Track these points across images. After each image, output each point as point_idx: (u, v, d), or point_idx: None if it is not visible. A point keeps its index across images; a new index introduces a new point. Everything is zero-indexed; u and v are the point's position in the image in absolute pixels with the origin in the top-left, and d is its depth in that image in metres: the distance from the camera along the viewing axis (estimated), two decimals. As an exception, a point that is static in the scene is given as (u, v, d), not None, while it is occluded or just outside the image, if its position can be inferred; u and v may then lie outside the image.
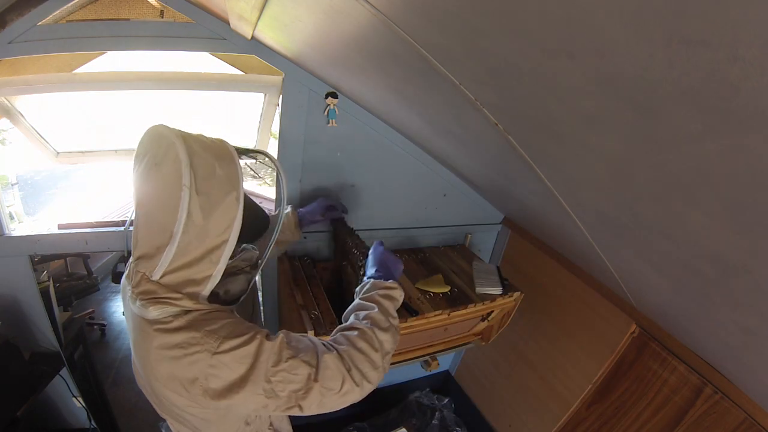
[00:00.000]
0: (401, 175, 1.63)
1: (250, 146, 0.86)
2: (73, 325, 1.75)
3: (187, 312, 0.71)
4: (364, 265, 1.10)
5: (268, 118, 1.53)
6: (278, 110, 1.43)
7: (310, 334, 1.16)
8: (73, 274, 2.99)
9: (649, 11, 0.28)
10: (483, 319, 1.61)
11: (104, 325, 2.86)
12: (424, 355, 1.59)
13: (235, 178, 0.71)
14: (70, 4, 1.02)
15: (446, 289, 1.44)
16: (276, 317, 1.76)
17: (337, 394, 0.76)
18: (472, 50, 0.54)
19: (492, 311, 1.53)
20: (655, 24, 0.29)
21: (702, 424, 1.16)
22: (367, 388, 0.80)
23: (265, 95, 1.44)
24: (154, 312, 0.70)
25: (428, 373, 1.80)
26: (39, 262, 2.30)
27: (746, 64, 0.27)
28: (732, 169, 0.41)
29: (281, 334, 0.76)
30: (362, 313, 0.89)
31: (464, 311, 1.38)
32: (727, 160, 0.40)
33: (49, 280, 1.49)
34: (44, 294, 1.42)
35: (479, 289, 1.46)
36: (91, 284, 2.91)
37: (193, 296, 0.72)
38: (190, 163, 0.66)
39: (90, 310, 2.92)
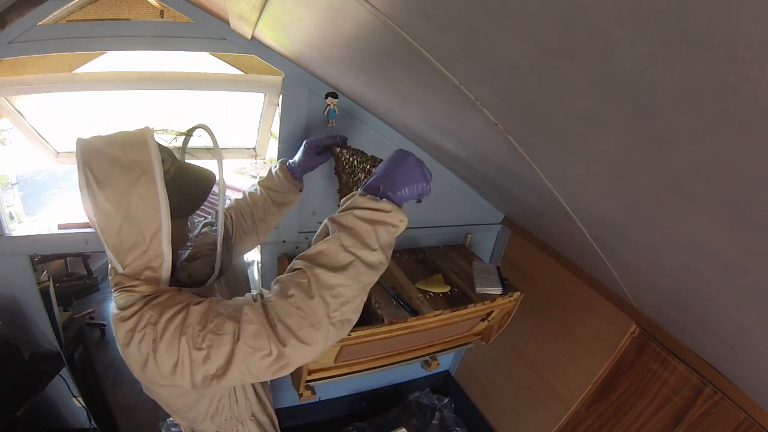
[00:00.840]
0: (401, 175, 1.62)
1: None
2: (73, 325, 1.75)
3: (145, 297, 0.72)
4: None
5: (268, 118, 1.53)
6: (278, 110, 1.42)
7: None
8: (73, 274, 2.99)
9: (649, 11, 0.28)
10: (483, 319, 1.60)
11: (104, 325, 2.86)
12: (424, 355, 1.59)
13: (144, 161, 0.70)
14: (70, 4, 1.02)
15: (446, 289, 1.44)
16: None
17: (267, 357, 0.65)
18: (472, 50, 0.54)
19: (492, 311, 1.52)
20: (655, 24, 0.29)
21: (702, 424, 1.16)
22: (302, 351, 0.65)
23: (265, 95, 1.44)
24: (120, 300, 0.72)
25: (428, 373, 1.81)
26: (39, 262, 2.30)
27: (746, 64, 0.27)
28: (732, 169, 0.41)
29: (209, 298, 0.73)
30: (313, 246, 0.70)
31: (464, 311, 1.38)
32: (727, 160, 0.40)
33: (49, 280, 1.49)
34: (44, 294, 1.42)
35: (479, 289, 1.46)
36: (91, 284, 2.91)
37: (152, 281, 0.74)
38: (84, 164, 0.67)
39: (90, 310, 2.92)
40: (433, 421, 2.18)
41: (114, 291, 0.75)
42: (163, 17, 1.17)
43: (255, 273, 2.36)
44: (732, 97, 0.31)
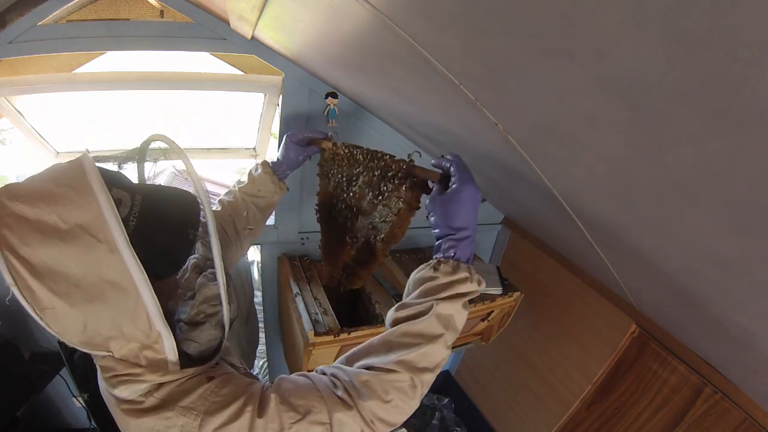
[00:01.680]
0: (401, 175, 1.62)
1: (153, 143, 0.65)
2: (73, 325, 1.75)
3: (160, 386, 0.57)
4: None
5: (268, 118, 1.53)
6: (278, 110, 1.42)
7: (310, 335, 1.15)
8: (73, 274, 2.99)
9: (649, 11, 0.28)
10: (483, 319, 1.60)
11: (104, 325, 2.86)
12: (424, 355, 1.58)
13: (90, 220, 0.48)
14: (70, 4, 1.02)
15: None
16: (276, 319, 1.76)
17: None
18: (472, 50, 0.54)
19: (492, 311, 1.52)
20: (655, 24, 0.29)
21: (702, 424, 1.16)
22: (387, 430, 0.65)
23: (265, 95, 1.44)
24: (123, 392, 0.57)
25: (428, 373, 1.80)
26: (39, 262, 2.30)
27: (746, 64, 0.27)
28: (732, 169, 0.41)
29: (272, 396, 0.58)
30: (414, 348, 0.63)
31: (464, 311, 1.38)
32: (727, 160, 0.40)
33: (49, 280, 1.49)
34: (44, 294, 1.42)
35: (479, 289, 1.46)
36: (91, 284, 2.91)
37: (158, 366, 0.57)
38: (2, 247, 0.46)
39: (90, 310, 2.92)
40: (433, 421, 2.18)
41: (107, 379, 0.57)
42: (163, 17, 1.17)
43: (255, 273, 2.36)
44: (732, 97, 0.31)
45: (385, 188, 0.83)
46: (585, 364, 1.54)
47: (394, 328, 0.66)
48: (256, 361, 2.23)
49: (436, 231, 0.69)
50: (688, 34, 0.28)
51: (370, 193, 0.86)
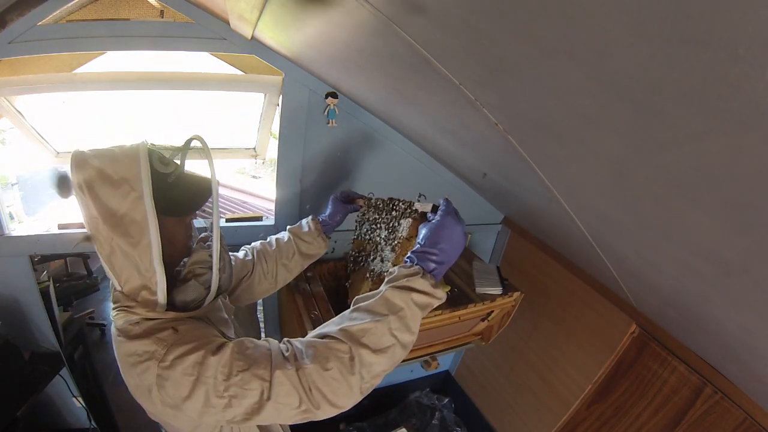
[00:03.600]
0: (401, 175, 1.62)
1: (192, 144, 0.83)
2: (73, 325, 1.75)
3: (147, 320, 0.71)
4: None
5: (268, 118, 1.53)
6: (278, 110, 1.42)
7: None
8: (73, 274, 2.99)
9: (649, 11, 0.28)
10: (483, 319, 1.60)
11: (104, 325, 2.86)
12: (424, 355, 1.59)
13: (133, 177, 0.69)
14: (70, 4, 1.02)
15: (446, 289, 1.44)
16: (276, 318, 1.76)
17: (295, 410, 0.69)
18: (472, 50, 0.54)
19: (492, 311, 1.52)
20: (655, 24, 0.29)
21: (702, 424, 1.16)
22: (331, 412, 0.71)
23: (265, 95, 1.44)
24: (119, 321, 0.72)
25: (428, 373, 1.81)
26: (39, 262, 2.30)
27: (746, 64, 0.27)
28: (732, 169, 0.41)
29: (231, 344, 0.70)
30: (358, 320, 0.72)
31: (464, 311, 1.38)
32: (727, 160, 0.40)
33: (49, 280, 1.49)
34: (44, 294, 1.42)
35: (479, 289, 1.46)
36: (91, 284, 2.91)
37: (149, 304, 0.72)
38: (77, 177, 0.68)
39: (90, 310, 2.92)
40: (433, 421, 2.18)
41: (113, 309, 0.74)
42: (163, 17, 1.17)
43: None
44: (732, 97, 0.31)
45: (397, 224, 1.04)
46: (585, 364, 1.54)
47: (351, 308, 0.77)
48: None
49: (415, 248, 0.80)
50: (688, 34, 0.28)
51: (386, 231, 1.08)
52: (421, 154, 1.61)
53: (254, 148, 1.68)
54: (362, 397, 0.72)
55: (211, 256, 0.79)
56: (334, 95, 1.34)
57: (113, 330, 0.74)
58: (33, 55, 1.06)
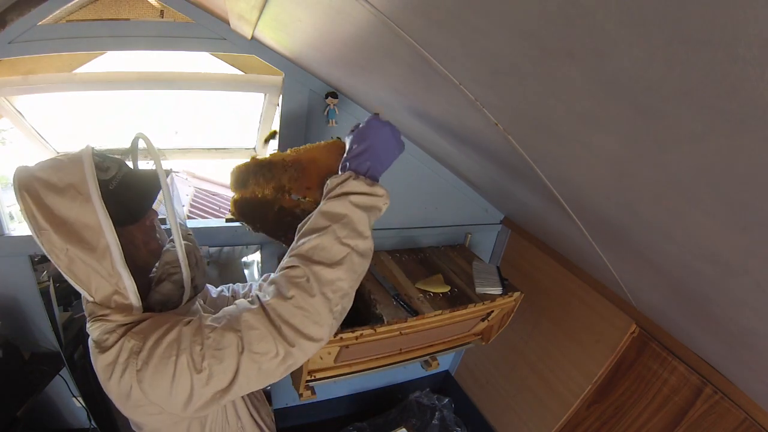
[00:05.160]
0: (401, 175, 1.62)
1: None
2: (73, 325, 1.75)
3: (123, 326, 0.68)
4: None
5: (268, 118, 1.53)
6: (278, 110, 1.42)
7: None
8: (73, 274, 2.98)
9: (649, 11, 0.28)
10: (483, 319, 1.60)
11: (104, 325, 2.86)
12: (424, 355, 1.59)
13: (78, 181, 0.66)
14: (70, 4, 1.02)
15: (446, 289, 1.44)
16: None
17: (274, 358, 0.66)
18: (472, 50, 0.54)
19: (492, 311, 1.52)
20: (655, 24, 0.29)
21: (702, 424, 1.16)
22: (309, 348, 0.67)
23: (265, 95, 1.44)
24: (95, 332, 0.69)
25: (428, 373, 1.80)
26: (39, 262, 2.30)
27: (746, 64, 0.27)
28: (732, 169, 0.41)
29: (203, 315, 0.70)
30: (306, 239, 0.69)
31: (464, 311, 1.38)
32: (727, 160, 0.40)
33: (49, 280, 1.49)
34: (44, 294, 1.42)
35: (479, 289, 1.46)
36: (91, 284, 2.91)
37: (124, 309, 0.69)
38: (20, 193, 0.65)
39: (90, 310, 2.92)
40: (433, 421, 2.18)
41: (88, 321, 0.70)
42: (163, 17, 1.17)
43: (255, 273, 2.36)
44: (732, 97, 0.31)
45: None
46: (585, 364, 1.54)
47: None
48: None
49: (344, 157, 0.77)
50: (688, 34, 0.28)
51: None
52: (421, 154, 1.61)
53: (254, 148, 1.68)
54: (336, 323, 0.69)
55: None
56: (334, 95, 1.34)
57: (90, 344, 0.71)
58: (33, 55, 1.06)
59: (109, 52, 1.31)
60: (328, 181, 0.74)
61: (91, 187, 0.67)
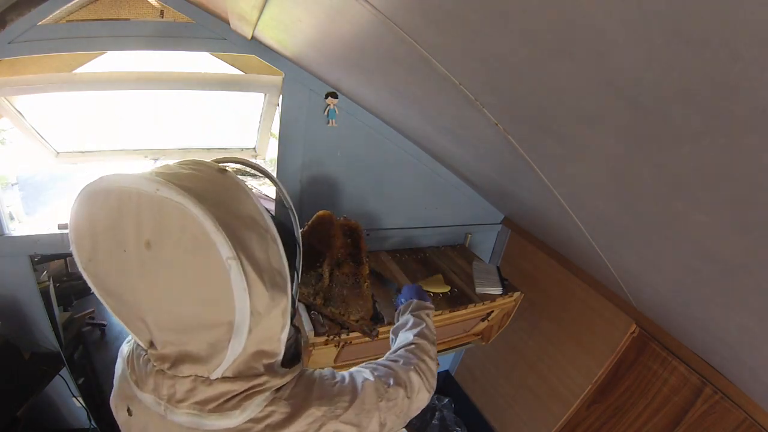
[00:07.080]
0: (401, 175, 1.63)
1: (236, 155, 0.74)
2: (73, 325, 1.75)
3: (277, 390, 0.55)
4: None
5: (268, 118, 1.53)
6: (278, 110, 1.42)
7: (310, 335, 1.16)
8: (73, 274, 2.98)
9: (649, 11, 0.28)
10: (483, 319, 1.60)
11: (104, 325, 2.86)
12: (424, 355, 1.59)
13: (258, 213, 0.51)
14: (70, 4, 1.02)
15: (446, 289, 1.44)
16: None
17: (422, 402, 0.80)
18: (472, 50, 0.54)
19: (492, 311, 1.52)
20: (655, 24, 0.29)
21: (702, 424, 1.16)
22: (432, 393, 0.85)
23: (265, 95, 1.44)
24: (241, 415, 0.52)
25: (428, 373, 1.80)
26: (39, 262, 2.30)
27: (746, 64, 0.27)
28: (732, 169, 0.41)
29: (367, 370, 0.71)
30: (416, 330, 0.95)
31: (464, 311, 1.38)
32: (727, 160, 0.40)
33: (49, 280, 1.49)
34: (44, 294, 1.42)
35: (479, 289, 1.46)
36: (91, 284, 2.91)
37: (273, 369, 0.55)
38: (216, 223, 0.44)
39: (90, 310, 2.91)
40: (433, 421, 2.18)
41: (211, 411, 0.51)
42: (163, 17, 1.17)
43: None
44: (732, 97, 0.31)
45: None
46: (585, 364, 1.54)
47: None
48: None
49: (401, 300, 1.12)
50: (688, 34, 0.28)
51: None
52: (421, 154, 1.61)
53: (254, 148, 1.68)
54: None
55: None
56: (334, 95, 1.34)
57: None
58: (33, 55, 1.06)
59: (109, 52, 1.31)
60: (401, 307, 1.08)
61: (268, 221, 0.53)
